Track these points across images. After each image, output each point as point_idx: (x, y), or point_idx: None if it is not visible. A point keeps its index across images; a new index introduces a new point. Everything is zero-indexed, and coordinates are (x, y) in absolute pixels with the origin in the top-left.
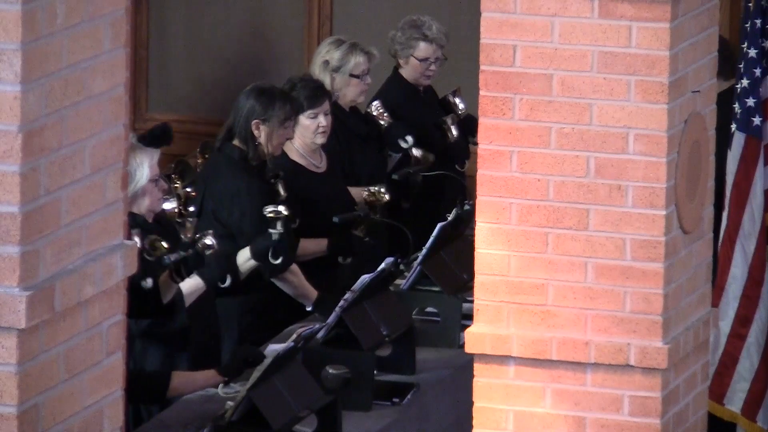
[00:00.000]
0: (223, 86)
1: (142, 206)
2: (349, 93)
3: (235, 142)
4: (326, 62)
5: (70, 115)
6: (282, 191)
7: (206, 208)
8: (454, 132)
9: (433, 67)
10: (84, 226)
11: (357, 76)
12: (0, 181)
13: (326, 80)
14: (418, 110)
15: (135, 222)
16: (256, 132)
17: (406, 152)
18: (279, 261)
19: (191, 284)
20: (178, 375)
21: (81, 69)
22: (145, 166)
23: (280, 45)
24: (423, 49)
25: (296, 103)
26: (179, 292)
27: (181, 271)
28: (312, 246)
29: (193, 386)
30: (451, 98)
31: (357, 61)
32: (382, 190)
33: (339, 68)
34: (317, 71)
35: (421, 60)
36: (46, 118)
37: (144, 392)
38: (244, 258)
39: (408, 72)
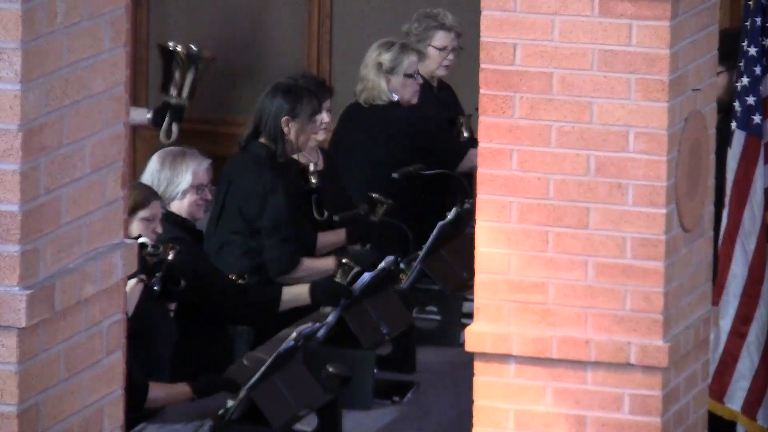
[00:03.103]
0: (223, 85)
1: (182, 208)
2: (405, 94)
3: (262, 140)
4: (380, 65)
5: (70, 114)
6: (313, 180)
7: (228, 206)
8: (465, 133)
9: (450, 56)
10: (84, 225)
11: (411, 76)
12: (0, 179)
13: (382, 83)
14: (429, 105)
15: (185, 225)
16: (285, 129)
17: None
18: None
19: (296, 294)
20: (154, 387)
21: (81, 68)
22: (189, 172)
23: (280, 43)
24: (441, 37)
25: (320, 96)
26: (279, 296)
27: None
28: (331, 237)
29: (167, 399)
30: (462, 121)
31: (410, 60)
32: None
33: (393, 69)
34: (372, 74)
35: (439, 49)
36: (46, 117)
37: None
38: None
39: (424, 64)
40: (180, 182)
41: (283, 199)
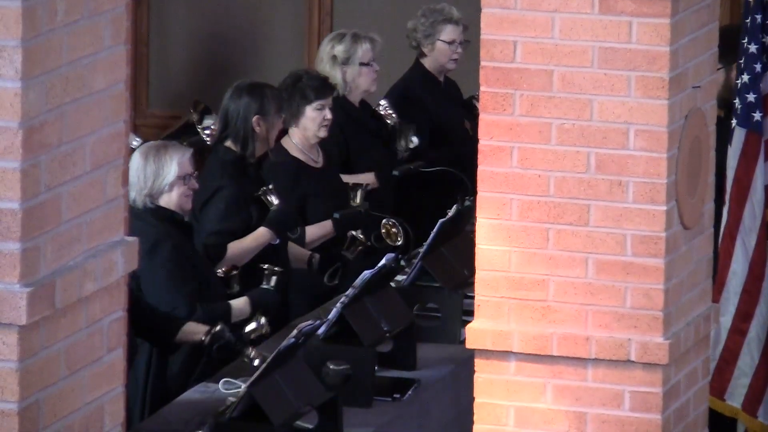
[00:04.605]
0: (223, 83)
1: (171, 201)
2: (362, 83)
3: (228, 143)
4: (334, 57)
5: (71, 112)
6: (274, 200)
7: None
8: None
9: (459, 50)
10: (84, 223)
11: (367, 64)
12: (1, 177)
13: (338, 75)
14: (438, 102)
15: (173, 218)
16: (257, 128)
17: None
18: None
19: (240, 308)
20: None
21: (81, 66)
22: (174, 162)
23: (280, 41)
24: (449, 31)
25: (298, 84)
26: (228, 311)
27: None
28: (318, 231)
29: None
30: (476, 102)
31: (364, 48)
32: (398, 231)
33: (348, 59)
34: (327, 68)
35: (448, 43)
36: (46, 115)
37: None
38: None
39: (432, 59)
40: (167, 175)
41: (222, 204)
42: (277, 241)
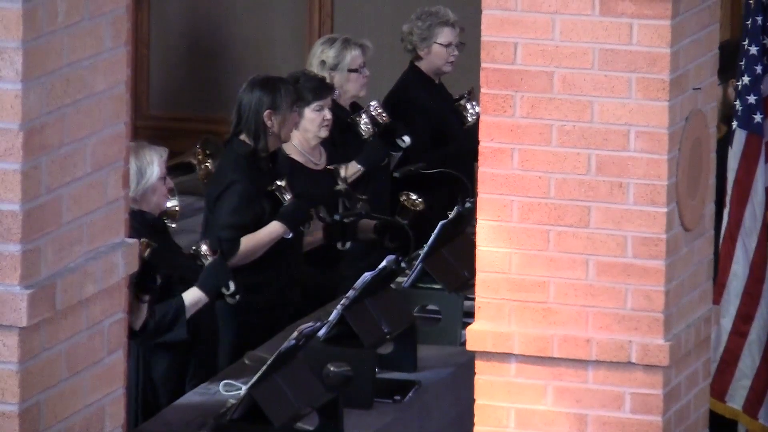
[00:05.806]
0: (223, 84)
1: (152, 203)
2: (350, 88)
3: (243, 137)
4: (323, 62)
5: (71, 113)
6: (287, 196)
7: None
8: (471, 112)
9: (455, 52)
10: (85, 224)
11: (355, 70)
12: (1, 179)
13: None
14: (437, 104)
15: (144, 219)
16: (268, 122)
17: (406, 150)
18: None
19: (193, 297)
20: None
21: (82, 67)
22: (155, 164)
23: (281, 43)
24: (446, 33)
25: (296, 86)
26: (182, 306)
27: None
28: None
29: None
30: (463, 103)
31: (353, 55)
32: (417, 198)
33: (336, 65)
34: (316, 71)
35: (446, 45)
36: (47, 116)
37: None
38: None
39: (429, 62)
40: (150, 175)
41: (235, 198)
42: (290, 235)
